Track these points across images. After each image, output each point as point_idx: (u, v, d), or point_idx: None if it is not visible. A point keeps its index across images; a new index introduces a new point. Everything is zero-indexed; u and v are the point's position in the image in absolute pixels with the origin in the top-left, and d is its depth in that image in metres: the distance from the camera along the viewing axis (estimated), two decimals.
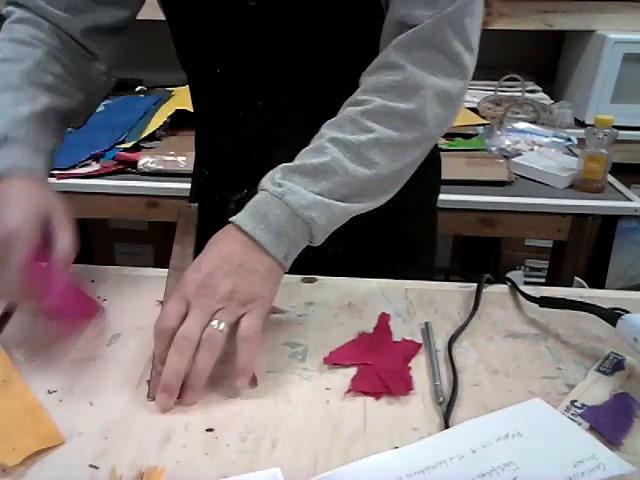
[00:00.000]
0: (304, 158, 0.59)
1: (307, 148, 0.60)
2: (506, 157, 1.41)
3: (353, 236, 0.72)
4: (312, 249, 0.60)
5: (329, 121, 0.61)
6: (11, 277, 0.52)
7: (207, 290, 0.54)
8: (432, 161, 0.87)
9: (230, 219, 0.57)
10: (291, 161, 0.59)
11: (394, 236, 0.85)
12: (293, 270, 0.61)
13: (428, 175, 0.87)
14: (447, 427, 0.50)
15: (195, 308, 0.53)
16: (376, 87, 0.61)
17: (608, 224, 1.85)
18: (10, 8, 0.67)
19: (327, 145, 0.59)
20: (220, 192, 0.86)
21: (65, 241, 0.56)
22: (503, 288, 0.72)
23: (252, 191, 0.59)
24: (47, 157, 0.66)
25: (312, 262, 0.66)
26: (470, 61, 0.63)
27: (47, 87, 0.65)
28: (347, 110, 0.61)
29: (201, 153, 0.89)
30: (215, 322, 0.53)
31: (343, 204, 0.58)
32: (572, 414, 0.51)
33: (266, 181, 0.59)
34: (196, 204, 0.76)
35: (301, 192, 0.56)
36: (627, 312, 0.59)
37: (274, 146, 0.75)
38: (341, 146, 0.58)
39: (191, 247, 0.71)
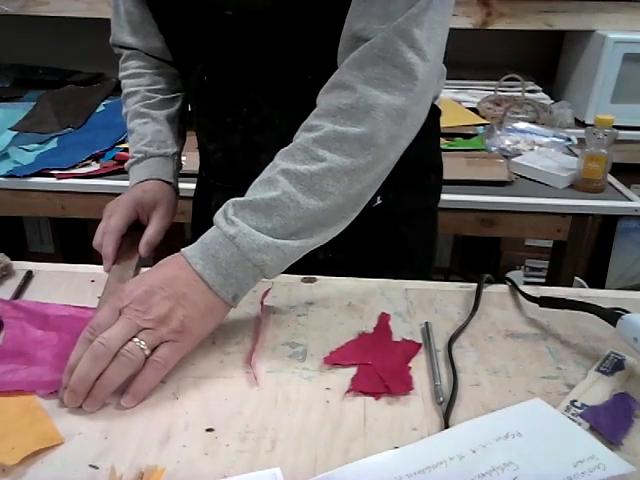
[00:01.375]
0: (256, 191, 0.58)
1: (259, 179, 0.59)
2: (506, 157, 1.41)
3: (345, 242, 0.71)
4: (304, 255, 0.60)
5: (282, 150, 0.60)
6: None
7: (142, 306, 0.53)
8: (431, 165, 0.87)
9: (181, 250, 0.57)
10: None
11: (390, 242, 0.84)
12: (290, 271, 0.61)
13: (428, 179, 0.86)
14: (447, 427, 0.50)
15: (123, 320, 0.53)
16: (328, 110, 0.60)
17: (608, 224, 1.85)
18: (118, 50, 0.87)
19: (278, 178, 0.58)
20: (214, 196, 0.86)
21: (150, 233, 0.75)
22: (503, 288, 0.72)
23: (240, 196, 0.59)
24: (175, 160, 0.84)
25: (302, 268, 0.65)
26: (425, 72, 0.59)
27: (159, 104, 0.84)
28: (300, 137, 0.60)
29: (200, 155, 0.90)
30: (137, 339, 0.52)
31: (297, 242, 0.58)
32: (572, 414, 0.51)
33: (219, 216, 0.58)
34: (139, 232, 0.76)
35: (252, 234, 0.55)
36: (627, 312, 0.59)
37: (260, 152, 0.75)
38: (293, 178, 0.57)
39: (131, 270, 0.71)
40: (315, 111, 0.61)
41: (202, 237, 0.58)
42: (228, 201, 0.58)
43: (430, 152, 0.87)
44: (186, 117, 0.89)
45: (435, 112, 0.83)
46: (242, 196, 0.59)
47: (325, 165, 0.57)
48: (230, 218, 0.57)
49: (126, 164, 0.83)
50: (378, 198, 0.79)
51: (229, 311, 0.59)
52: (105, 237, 0.73)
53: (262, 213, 0.57)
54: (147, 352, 0.53)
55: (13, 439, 0.47)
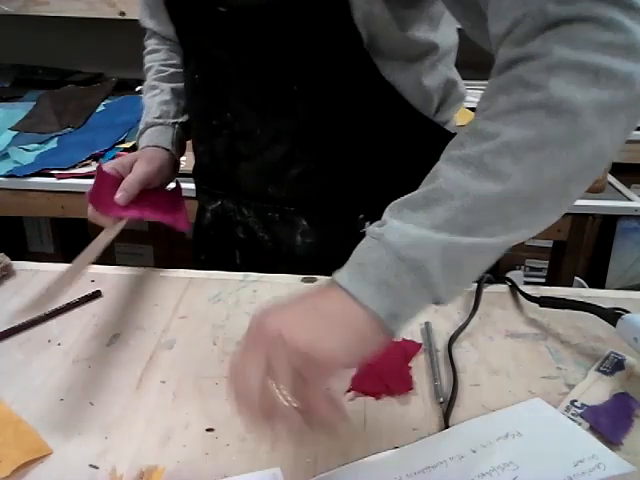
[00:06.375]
0: (417, 190, 0.46)
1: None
2: None
3: (326, 266, 0.68)
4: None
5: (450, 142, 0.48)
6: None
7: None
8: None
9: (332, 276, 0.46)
10: (256, 177, 0.52)
11: None
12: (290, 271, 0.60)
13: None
14: (447, 427, 0.50)
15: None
16: (499, 87, 0.46)
17: (608, 224, 1.84)
18: (147, 33, 0.92)
19: (440, 166, 0.45)
20: (201, 198, 0.86)
21: (127, 179, 0.73)
22: (503, 288, 0.72)
23: (224, 202, 0.57)
24: (176, 129, 0.84)
25: None
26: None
27: (169, 77, 0.86)
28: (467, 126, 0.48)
29: (194, 155, 0.89)
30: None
31: (468, 239, 0.42)
32: (572, 414, 0.51)
33: (372, 226, 0.46)
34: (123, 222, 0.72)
35: (403, 228, 0.43)
36: (627, 312, 0.59)
37: (242, 160, 0.74)
38: (458, 162, 0.44)
39: (113, 233, 0.68)
40: (483, 93, 0.48)
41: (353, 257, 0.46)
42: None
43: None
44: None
45: (447, 136, 0.74)
46: (225, 202, 0.53)
47: (499, 140, 0.43)
48: (384, 219, 0.45)
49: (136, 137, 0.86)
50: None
51: (388, 340, 0.43)
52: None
53: (421, 208, 0.44)
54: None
55: (0, 453, 0.47)
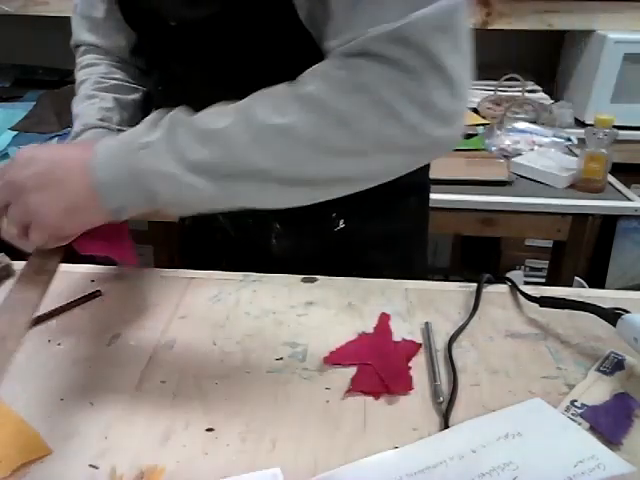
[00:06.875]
0: (201, 114, 0.52)
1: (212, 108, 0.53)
2: (506, 157, 1.41)
3: (312, 268, 0.67)
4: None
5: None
6: None
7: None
8: (411, 186, 0.79)
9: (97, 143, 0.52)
10: None
11: (360, 270, 0.75)
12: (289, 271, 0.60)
13: (405, 202, 0.79)
14: (447, 427, 0.50)
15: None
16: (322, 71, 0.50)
17: (608, 224, 1.84)
18: (76, 48, 0.81)
19: (230, 112, 0.51)
20: None
21: None
22: (503, 288, 0.72)
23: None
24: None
25: None
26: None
27: (112, 88, 0.76)
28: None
29: None
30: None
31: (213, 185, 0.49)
32: (572, 414, 0.51)
33: (151, 116, 0.53)
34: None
35: (162, 157, 0.49)
36: (627, 312, 0.59)
37: None
38: (243, 120, 0.50)
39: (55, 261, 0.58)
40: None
41: (128, 132, 0.53)
42: (174, 110, 0.52)
43: (411, 173, 0.78)
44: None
45: None
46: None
47: (287, 121, 0.48)
48: (159, 124, 0.51)
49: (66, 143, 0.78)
50: (341, 222, 0.75)
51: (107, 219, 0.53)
52: None
53: (195, 138, 0.50)
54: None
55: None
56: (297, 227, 0.75)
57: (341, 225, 0.75)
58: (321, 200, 0.52)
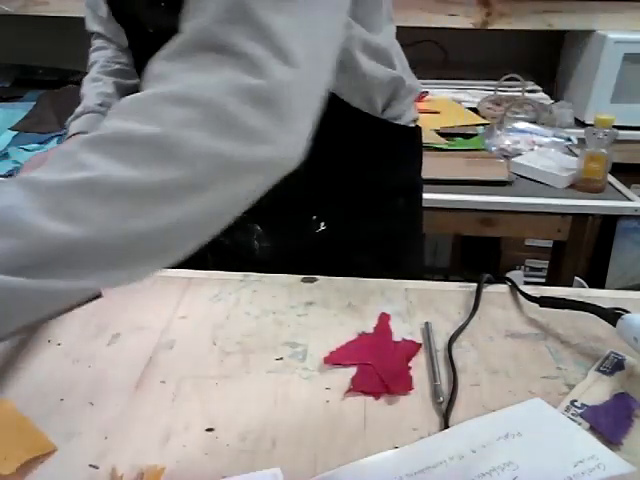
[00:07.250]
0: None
1: None
2: (506, 157, 1.41)
3: (296, 269, 0.67)
4: None
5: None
6: None
7: None
8: (399, 188, 0.79)
9: None
10: None
11: (344, 272, 0.73)
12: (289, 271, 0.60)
13: (393, 204, 0.79)
14: (447, 427, 0.50)
15: None
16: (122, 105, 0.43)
17: (608, 224, 1.84)
18: (90, 33, 0.88)
19: (11, 189, 0.37)
20: None
21: None
22: (503, 288, 0.72)
23: None
24: None
25: None
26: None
27: (115, 72, 0.83)
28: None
29: None
30: None
31: (34, 282, 0.36)
32: (572, 414, 0.51)
33: None
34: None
35: None
36: (627, 312, 0.59)
37: None
38: (32, 191, 0.37)
39: None
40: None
41: None
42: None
43: (398, 175, 0.78)
44: None
45: (409, 133, 0.78)
46: None
47: (87, 175, 0.37)
48: None
49: (66, 122, 0.81)
50: (322, 224, 0.75)
51: None
52: None
53: None
54: None
55: (3, 450, 0.47)
56: (277, 229, 0.75)
57: (322, 227, 0.76)
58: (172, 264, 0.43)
